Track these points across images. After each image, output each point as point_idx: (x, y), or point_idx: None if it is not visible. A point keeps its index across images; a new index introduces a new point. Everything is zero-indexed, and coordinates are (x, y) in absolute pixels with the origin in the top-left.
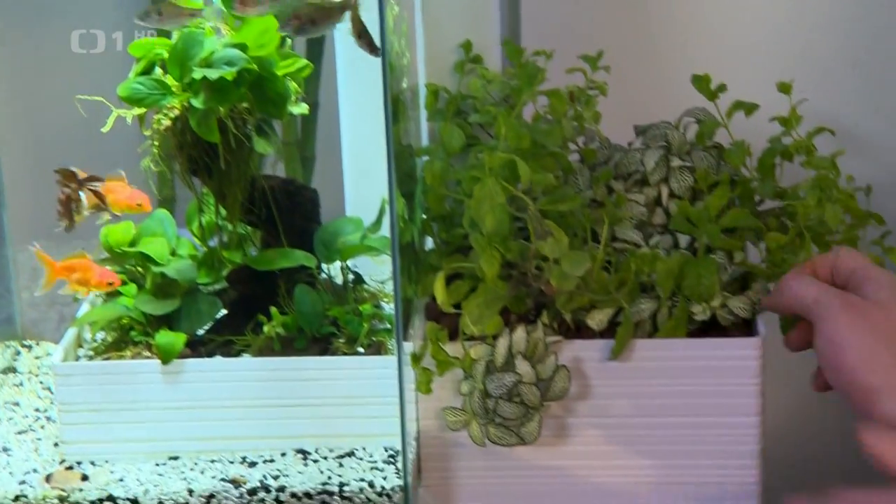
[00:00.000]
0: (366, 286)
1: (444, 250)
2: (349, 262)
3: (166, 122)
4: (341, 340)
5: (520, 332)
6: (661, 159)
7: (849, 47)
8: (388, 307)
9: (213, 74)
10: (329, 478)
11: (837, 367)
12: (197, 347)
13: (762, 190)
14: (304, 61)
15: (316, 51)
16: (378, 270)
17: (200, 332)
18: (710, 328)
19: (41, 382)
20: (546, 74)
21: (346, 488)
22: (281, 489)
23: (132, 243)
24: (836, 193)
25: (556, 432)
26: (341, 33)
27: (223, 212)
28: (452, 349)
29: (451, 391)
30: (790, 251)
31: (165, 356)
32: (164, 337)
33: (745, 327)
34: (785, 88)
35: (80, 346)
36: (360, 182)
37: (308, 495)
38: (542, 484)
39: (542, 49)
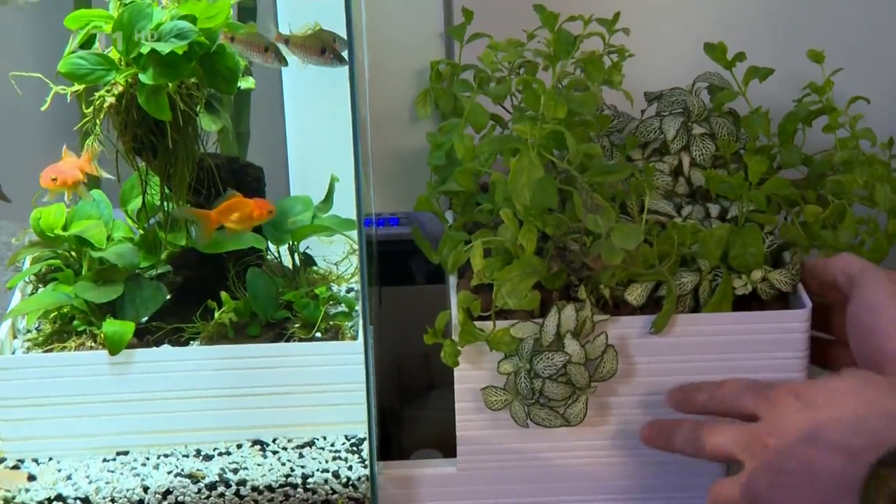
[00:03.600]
0: (316, 268)
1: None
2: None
3: (110, 100)
4: (297, 325)
5: (569, 311)
6: (682, 127)
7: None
8: (339, 290)
9: (164, 48)
10: (292, 469)
11: (870, 330)
12: (143, 336)
13: (788, 157)
14: (251, 30)
15: (251, 21)
16: (327, 251)
17: (143, 319)
18: (748, 302)
19: None
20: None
21: (309, 480)
22: (242, 483)
23: (65, 226)
24: (879, 170)
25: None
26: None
27: (165, 192)
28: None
29: None
30: (829, 226)
31: (114, 346)
32: (111, 326)
33: (782, 301)
34: (817, 57)
35: (15, 336)
36: (305, 158)
37: (270, 488)
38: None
39: (573, 14)
